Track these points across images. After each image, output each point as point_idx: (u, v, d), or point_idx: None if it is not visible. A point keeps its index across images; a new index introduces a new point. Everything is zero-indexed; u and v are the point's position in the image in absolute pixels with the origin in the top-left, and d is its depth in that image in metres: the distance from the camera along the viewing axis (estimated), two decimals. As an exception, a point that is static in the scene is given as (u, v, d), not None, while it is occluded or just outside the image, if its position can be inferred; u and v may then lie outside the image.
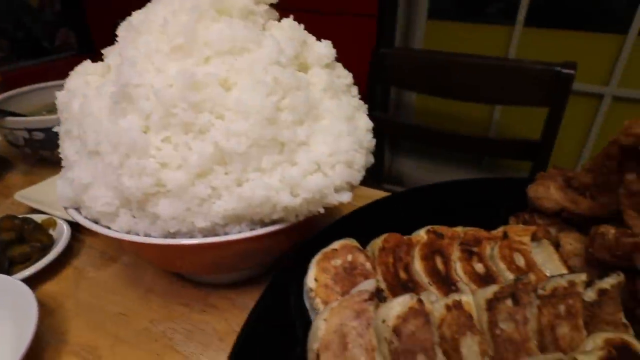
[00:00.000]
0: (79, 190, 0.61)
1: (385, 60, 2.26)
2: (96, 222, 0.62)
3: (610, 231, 0.64)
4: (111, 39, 0.69)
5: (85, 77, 0.67)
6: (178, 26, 0.59)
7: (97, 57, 0.73)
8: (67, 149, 0.64)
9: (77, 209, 0.65)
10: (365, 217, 0.85)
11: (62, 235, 0.90)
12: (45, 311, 0.77)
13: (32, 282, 0.78)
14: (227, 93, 0.58)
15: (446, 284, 0.68)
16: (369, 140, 0.75)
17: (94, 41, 3.78)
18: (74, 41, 3.82)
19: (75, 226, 0.95)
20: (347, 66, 0.84)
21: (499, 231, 0.79)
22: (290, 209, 0.60)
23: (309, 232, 0.72)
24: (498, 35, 2.46)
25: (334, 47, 0.75)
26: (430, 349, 0.54)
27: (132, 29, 0.61)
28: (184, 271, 0.73)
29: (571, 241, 0.75)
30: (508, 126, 2.60)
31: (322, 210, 0.65)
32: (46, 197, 1.02)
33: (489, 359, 0.55)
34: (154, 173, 0.55)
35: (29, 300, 0.68)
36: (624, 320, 0.57)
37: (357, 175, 0.68)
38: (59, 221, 0.94)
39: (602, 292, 0.58)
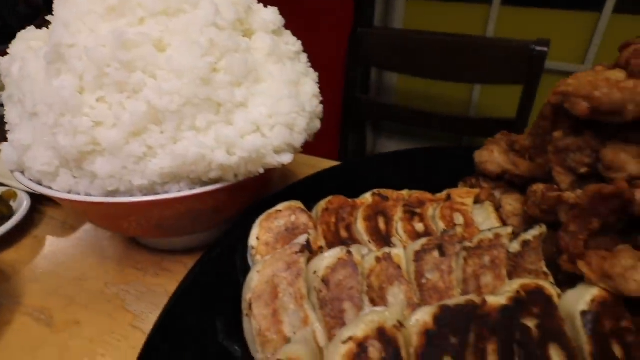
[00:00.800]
0: (21, 152, 0.63)
1: (363, 40, 2.26)
2: (39, 184, 0.64)
3: (540, 188, 0.66)
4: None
5: (28, 42, 0.68)
6: (112, -13, 0.59)
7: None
8: (10, 113, 0.66)
9: (22, 172, 0.67)
10: (317, 184, 0.87)
11: (22, 206, 0.91)
12: (2, 277, 0.79)
13: (-10, 249, 0.80)
14: (161, 53, 0.59)
15: (385, 242, 0.71)
16: (315, 106, 0.76)
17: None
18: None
19: (37, 198, 0.97)
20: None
21: (443, 194, 0.81)
22: (227, 167, 0.62)
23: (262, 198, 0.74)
24: (476, 14, 2.46)
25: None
26: (356, 296, 0.57)
27: (65, -7, 0.62)
28: (133, 234, 0.75)
29: (511, 202, 0.77)
30: (487, 106, 2.62)
31: (261, 171, 0.66)
32: (7, 170, 1.02)
33: (414, 306, 0.57)
34: (88, 131, 0.56)
35: None
36: (545, 269, 0.60)
37: (299, 138, 0.70)
38: (20, 193, 0.95)
39: (525, 244, 0.61)
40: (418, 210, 0.76)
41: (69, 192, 0.62)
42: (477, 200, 0.81)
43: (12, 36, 0.69)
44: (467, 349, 0.48)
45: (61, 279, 0.80)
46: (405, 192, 0.81)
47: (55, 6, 0.62)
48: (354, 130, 2.60)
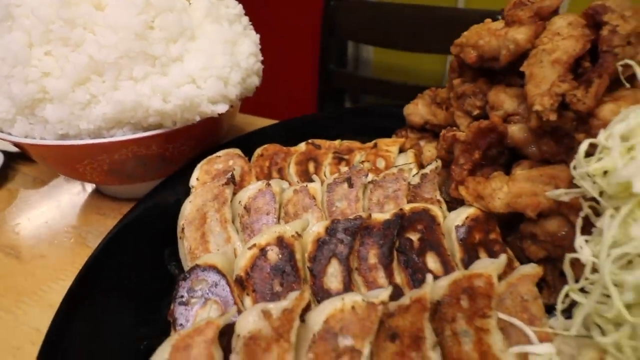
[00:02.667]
0: (-18, 103, 0.71)
1: (336, 12, 2.31)
2: (0, 131, 0.73)
3: (444, 132, 0.75)
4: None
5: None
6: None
7: None
8: (-28, 69, 0.74)
9: (-14, 123, 0.75)
10: (261, 137, 0.96)
11: (-4, 162, 1.00)
12: (-22, 220, 0.88)
13: (-35, 198, 0.90)
14: (99, 12, 0.67)
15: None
16: (252, 63, 0.84)
17: None
18: None
19: (11, 156, 1.06)
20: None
21: (371, 143, 0.90)
22: (164, 114, 0.70)
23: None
24: (448, -15, 2.51)
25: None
26: (272, 220, 0.66)
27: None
28: (90, 179, 0.83)
29: (430, 149, 0.86)
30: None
31: (197, 118, 0.75)
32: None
33: (323, 228, 0.67)
34: (37, 80, 0.65)
35: None
36: (439, 197, 0.69)
37: (233, 90, 0.78)
38: (-6, 151, 1.04)
39: (423, 176, 0.71)
40: (346, 157, 0.85)
41: (26, 137, 0.71)
42: (402, 149, 0.90)
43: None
44: (351, 254, 0.58)
45: (30, 222, 0.89)
46: (337, 142, 0.90)
47: (4, -30, 0.70)
48: (331, 101, 2.66)
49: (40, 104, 0.67)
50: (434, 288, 0.51)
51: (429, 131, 0.92)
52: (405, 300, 0.48)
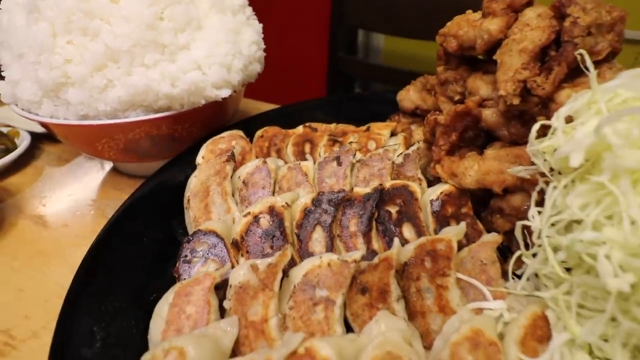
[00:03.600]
0: (14, 86, 0.80)
1: (345, 0, 2.34)
2: (29, 112, 0.82)
3: (428, 116, 0.81)
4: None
5: (15, -3, 0.83)
6: (75, -49, 0.74)
7: None
8: (3, 56, 0.82)
9: (17, 105, 0.84)
10: (263, 120, 1.03)
11: (23, 142, 1.10)
12: (9, 193, 0.98)
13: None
14: (114, 4, 0.74)
15: (308, 161, 0.87)
16: (254, 51, 0.91)
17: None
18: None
19: (37, 137, 1.16)
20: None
21: (364, 127, 0.96)
22: (172, 97, 0.78)
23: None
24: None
25: None
26: (267, 193, 0.74)
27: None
28: (108, 157, 0.92)
29: (419, 132, 0.92)
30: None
31: (202, 102, 0.83)
32: (11, 114, 1.21)
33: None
34: (60, 67, 0.73)
35: None
36: (420, 176, 0.76)
37: (235, 76, 0.85)
38: (22, 131, 1.14)
39: (406, 156, 0.77)
40: (340, 139, 0.92)
41: (51, 117, 0.79)
42: (393, 133, 0.96)
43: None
44: (334, 222, 0.65)
45: (55, 195, 0.99)
46: (332, 125, 0.97)
47: (31, -33, 0.77)
48: (340, 88, 2.71)
49: (63, 88, 0.75)
50: (403, 251, 0.58)
51: (419, 116, 0.98)
52: (375, 260, 0.55)
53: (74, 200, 0.97)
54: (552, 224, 0.49)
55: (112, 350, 0.53)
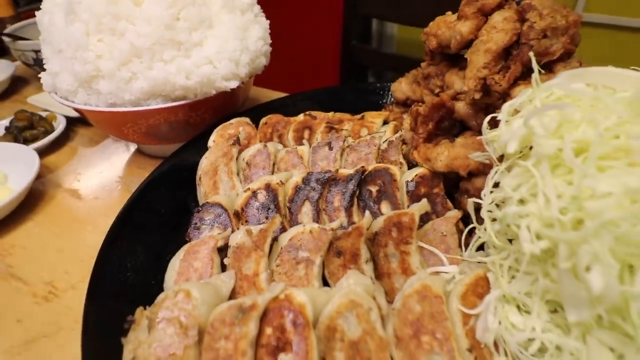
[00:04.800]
0: (54, 77, 0.93)
1: (357, -10, 2.40)
2: (66, 99, 0.95)
3: (412, 107, 0.90)
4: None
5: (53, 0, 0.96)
6: (105, -39, 0.86)
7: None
8: (45, 51, 0.95)
9: (56, 93, 0.98)
10: (269, 108, 1.14)
11: (60, 125, 1.24)
12: (48, 169, 1.13)
13: (39, 154, 1.14)
14: (137, 7, 0.86)
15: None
16: (260, 46, 1.02)
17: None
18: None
19: (71, 121, 1.30)
20: None
21: (359, 115, 1.06)
22: (187, 88, 0.90)
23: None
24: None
25: None
26: (267, 172, 0.85)
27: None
28: (132, 139, 1.05)
29: (409, 120, 1.01)
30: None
31: (213, 92, 0.94)
32: (49, 100, 1.36)
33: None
34: (93, 62, 0.85)
35: (34, 160, 1.03)
36: (401, 160, 0.86)
37: (243, 69, 0.96)
38: (59, 116, 1.28)
39: (390, 143, 0.87)
40: (336, 126, 1.02)
41: (85, 104, 0.92)
42: (386, 121, 1.05)
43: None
44: (320, 198, 0.76)
45: (87, 172, 1.13)
46: (330, 114, 1.07)
47: (68, -25, 0.90)
48: (353, 76, 2.78)
49: (95, 80, 0.88)
50: (375, 222, 0.68)
51: (410, 106, 1.06)
52: (349, 229, 0.66)
53: (103, 177, 1.11)
54: (497, 202, 0.59)
55: (134, 294, 0.66)
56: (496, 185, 0.60)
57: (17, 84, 1.62)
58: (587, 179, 0.45)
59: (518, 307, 0.56)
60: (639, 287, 0.42)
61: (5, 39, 1.47)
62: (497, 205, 0.58)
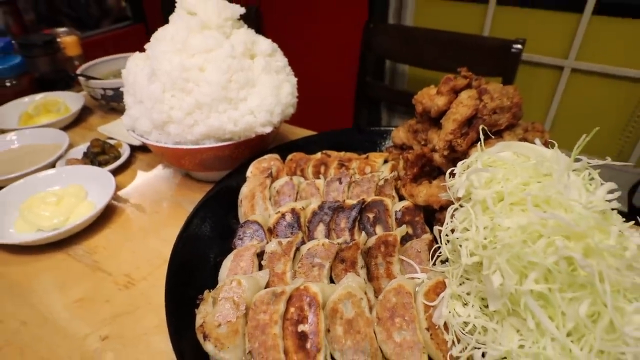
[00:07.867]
0: (134, 120, 1.24)
1: (374, 34, 2.71)
2: (142, 137, 1.25)
3: (403, 154, 1.17)
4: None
5: (136, 61, 1.28)
6: (179, 37, 1.17)
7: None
8: (127, 100, 1.26)
9: (133, 131, 1.28)
10: (293, 145, 1.43)
11: (125, 152, 1.55)
12: (118, 187, 1.43)
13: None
14: (202, 73, 1.16)
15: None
16: (290, 100, 1.31)
17: (144, 10, 4.44)
18: (128, 10, 4.51)
19: (134, 148, 1.61)
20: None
21: (364, 155, 1.33)
22: (234, 133, 1.19)
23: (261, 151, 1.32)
24: (475, 12, 2.81)
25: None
26: (292, 199, 1.13)
27: (155, 39, 1.21)
28: (187, 168, 1.34)
29: (402, 163, 1.28)
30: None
31: (252, 135, 1.23)
32: (116, 129, 1.68)
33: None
34: (166, 112, 1.16)
35: (110, 180, 1.33)
36: (393, 194, 1.12)
37: (276, 118, 1.26)
38: (124, 144, 1.60)
39: (385, 180, 1.14)
40: (346, 164, 1.30)
41: (157, 142, 1.23)
42: (386, 160, 1.32)
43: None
44: (331, 221, 1.03)
45: (146, 191, 1.43)
46: (342, 153, 1.35)
47: (149, 46, 1.21)
48: (367, 109, 3.08)
49: (167, 125, 1.18)
50: (369, 240, 0.95)
51: (405, 150, 1.34)
52: (350, 244, 0.93)
53: (160, 195, 1.40)
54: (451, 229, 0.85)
55: (196, 284, 0.94)
56: (452, 217, 0.87)
57: (84, 113, 1.95)
58: (498, 218, 0.71)
59: (462, 301, 0.81)
60: (526, 286, 0.68)
61: (81, 78, 1.81)
62: (452, 231, 0.85)
